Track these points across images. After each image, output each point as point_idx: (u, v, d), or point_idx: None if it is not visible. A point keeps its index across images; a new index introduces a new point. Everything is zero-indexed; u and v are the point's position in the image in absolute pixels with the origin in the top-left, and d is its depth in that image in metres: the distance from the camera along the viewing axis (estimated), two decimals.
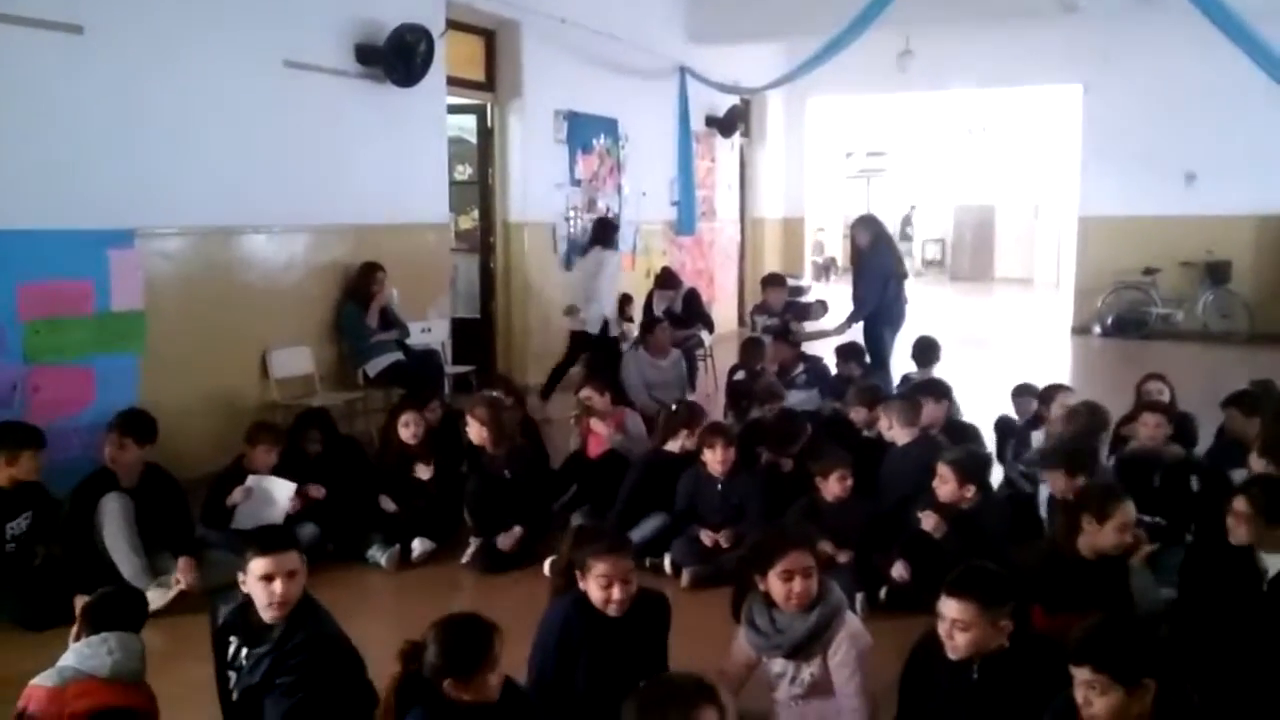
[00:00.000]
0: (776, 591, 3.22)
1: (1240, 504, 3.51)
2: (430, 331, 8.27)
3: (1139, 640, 2.57)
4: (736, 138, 14.17)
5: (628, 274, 11.20)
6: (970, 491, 4.53)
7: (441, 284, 8.69)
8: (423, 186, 8.36)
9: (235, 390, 6.71)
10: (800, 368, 7.58)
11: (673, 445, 5.43)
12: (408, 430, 5.60)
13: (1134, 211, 13.11)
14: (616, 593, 3.10)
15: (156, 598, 4.33)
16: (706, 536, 5.01)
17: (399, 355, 7.48)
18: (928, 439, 5.37)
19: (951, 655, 2.96)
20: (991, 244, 23.24)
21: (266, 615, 3.01)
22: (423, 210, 8.36)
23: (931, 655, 3.08)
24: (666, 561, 5.05)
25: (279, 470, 5.17)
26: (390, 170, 7.88)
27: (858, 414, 6.03)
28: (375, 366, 7.40)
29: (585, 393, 6.20)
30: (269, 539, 3.11)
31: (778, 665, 3.29)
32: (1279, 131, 11.97)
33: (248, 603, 3.10)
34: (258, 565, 3.00)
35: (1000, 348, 12.92)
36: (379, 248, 7.64)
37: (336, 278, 7.46)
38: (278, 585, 2.99)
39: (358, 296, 7.42)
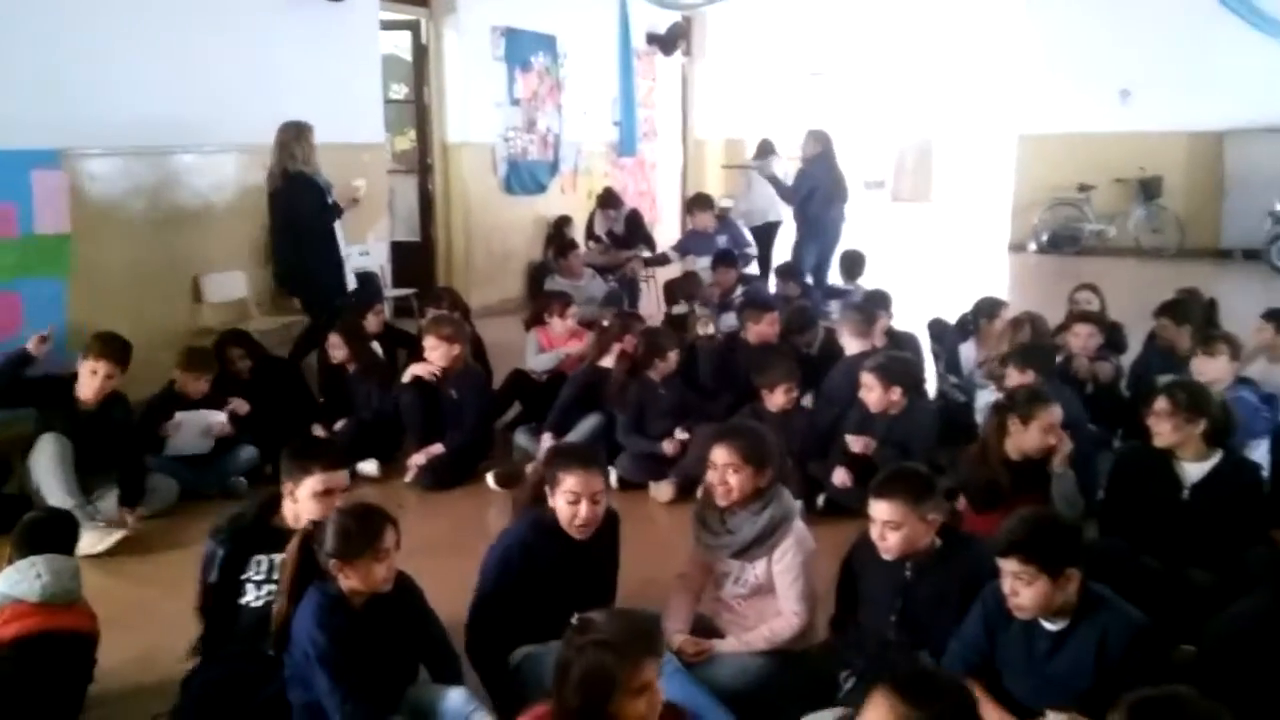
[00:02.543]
0: (709, 480, 3.27)
1: (1161, 404, 3.62)
2: (369, 255, 8.15)
3: (1062, 533, 2.68)
4: (678, 56, 13.97)
5: (569, 195, 11.12)
6: (896, 394, 4.63)
7: (379, 206, 8.54)
8: (356, 105, 8.16)
9: (167, 315, 6.57)
10: (739, 290, 7.65)
11: (608, 360, 5.48)
12: (339, 352, 5.55)
13: (1070, 129, 13.24)
14: (584, 510, 3.02)
15: (93, 541, 4.21)
16: (670, 444, 5.14)
17: None
18: (872, 350, 5.46)
19: (885, 556, 3.05)
20: (931, 165, 23.34)
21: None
22: (356, 130, 8.16)
23: (866, 557, 3.18)
24: (612, 475, 5.12)
25: (212, 394, 5.13)
26: (322, 88, 7.64)
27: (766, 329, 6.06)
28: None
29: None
30: (333, 456, 3.15)
31: (723, 564, 3.35)
32: (1211, 49, 12.06)
33: (260, 516, 3.12)
34: (316, 481, 3.03)
35: (940, 264, 13.07)
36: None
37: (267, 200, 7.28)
38: (336, 500, 3.03)
39: None
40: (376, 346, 6.03)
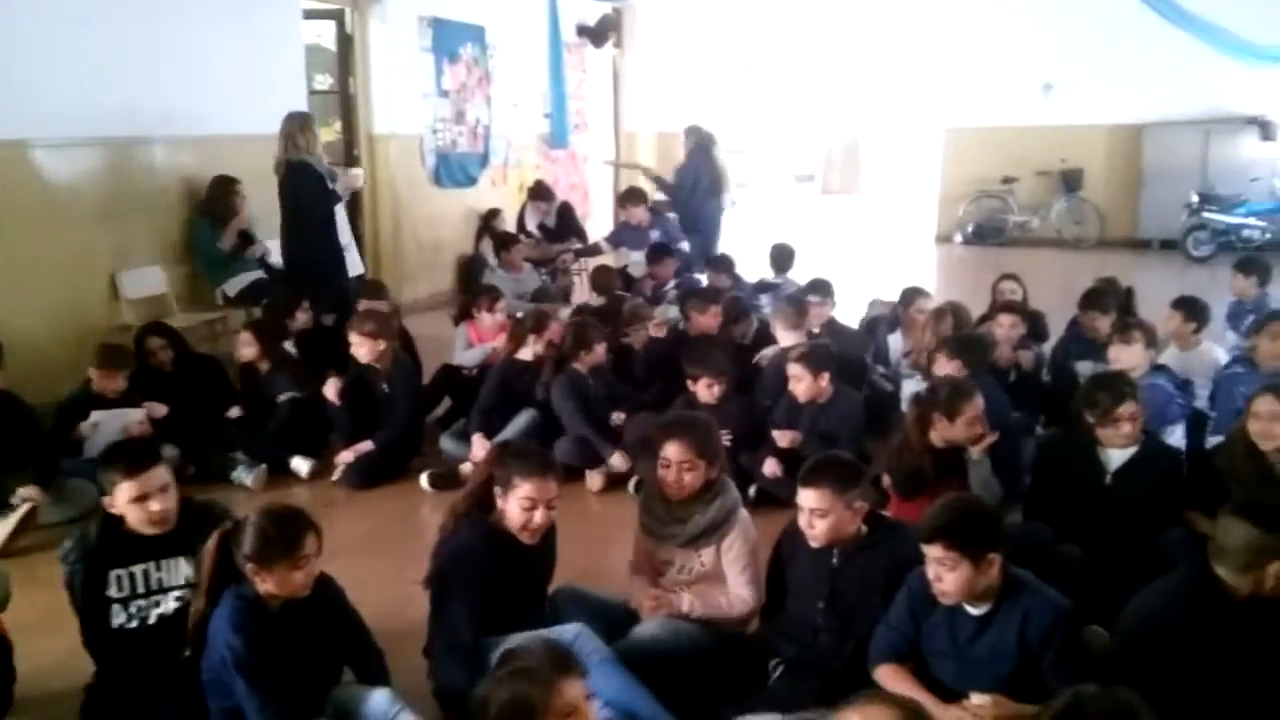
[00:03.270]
0: (661, 476, 3.27)
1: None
2: None
3: (983, 518, 2.72)
4: (609, 48, 13.93)
5: (499, 188, 11.03)
6: (825, 381, 4.67)
7: None
8: (278, 96, 7.93)
9: (83, 312, 6.38)
10: (673, 282, 7.67)
11: (525, 353, 5.46)
12: (249, 350, 5.46)
13: (995, 123, 13.48)
14: (539, 516, 2.98)
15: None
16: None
17: (260, 274, 7.22)
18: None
19: (813, 543, 3.08)
20: (860, 159, 23.62)
21: (150, 530, 2.94)
22: (279, 120, 7.97)
23: (794, 546, 3.21)
24: None
25: (130, 391, 4.99)
26: (243, 78, 7.48)
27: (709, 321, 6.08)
28: (235, 285, 7.14)
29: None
30: (132, 458, 2.96)
31: (667, 553, 3.37)
32: (1130, 44, 12.37)
33: (107, 529, 2.98)
34: (127, 488, 2.90)
35: (868, 257, 13.22)
36: (235, 160, 7.29)
37: (188, 193, 7.12)
38: (154, 504, 2.91)
39: (212, 213, 7.10)
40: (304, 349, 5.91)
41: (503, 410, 5.27)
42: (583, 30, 13.07)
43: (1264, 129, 12.30)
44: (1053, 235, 13.27)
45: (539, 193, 10.24)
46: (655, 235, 8.81)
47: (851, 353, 5.75)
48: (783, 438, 4.72)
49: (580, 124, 13.27)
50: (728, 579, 3.29)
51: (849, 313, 7.02)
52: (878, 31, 20.51)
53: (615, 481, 5.02)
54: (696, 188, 8.81)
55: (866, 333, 6.53)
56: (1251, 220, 11.95)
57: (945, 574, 2.64)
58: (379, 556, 3.51)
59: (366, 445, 5.17)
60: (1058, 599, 2.69)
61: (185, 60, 7.00)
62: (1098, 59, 12.71)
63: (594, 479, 5.06)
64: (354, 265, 7.55)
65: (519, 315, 5.94)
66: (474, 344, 6.17)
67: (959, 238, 13.80)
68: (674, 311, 6.70)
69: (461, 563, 3.00)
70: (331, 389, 5.26)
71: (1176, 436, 4.51)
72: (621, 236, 9.17)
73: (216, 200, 7.11)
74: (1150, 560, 3.24)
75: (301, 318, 6.08)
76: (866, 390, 5.68)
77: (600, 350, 5.42)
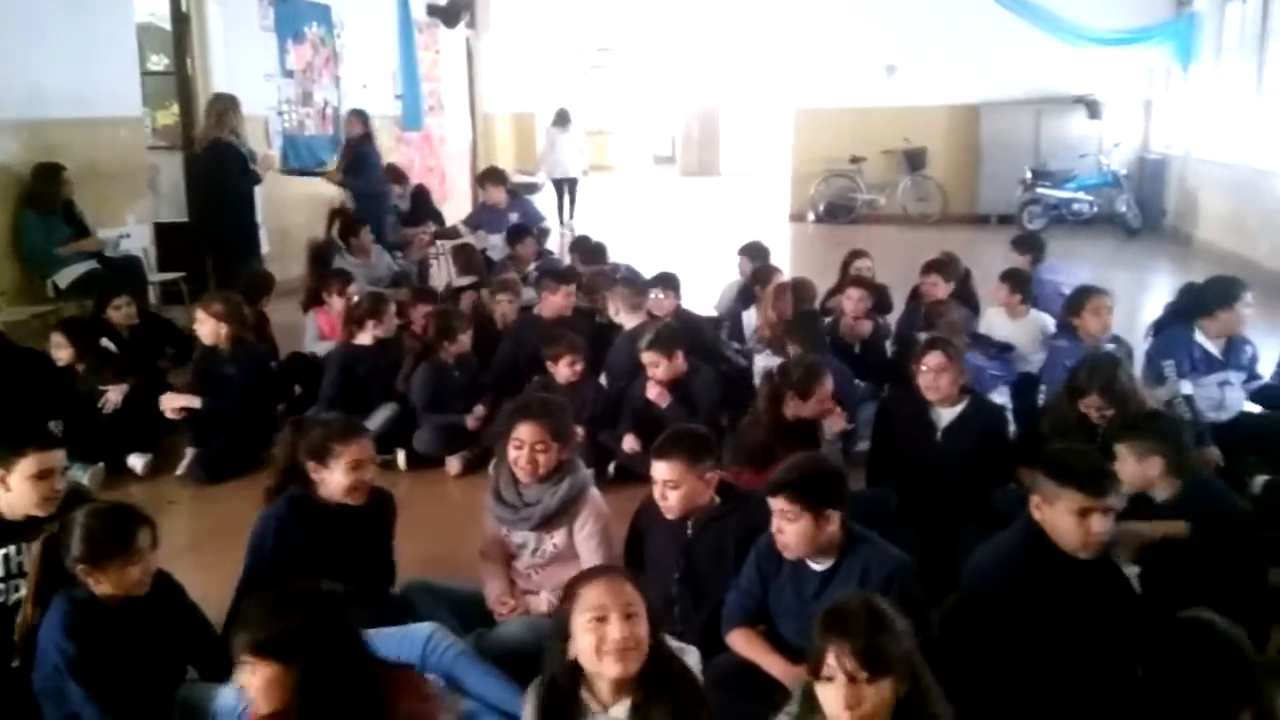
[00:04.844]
0: (514, 458, 3.27)
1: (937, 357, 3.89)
2: (129, 238, 7.62)
3: (826, 476, 2.83)
4: (462, 29, 13.73)
5: None
6: (680, 359, 4.75)
7: (139, 185, 8.00)
8: (109, 77, 7.59)
9: None
10: (533, 266, 7.65)
11: (363, 338, 5.39)
12: (62, 352, 5.18)
13: (842, 104, 13.87)
14: (368, 475, 3.10)
15: None
16: (472, 420, 5.13)
17: (93, 264, 6.86)
18: (652, 321, 5.55)
19: (668, 515, 3.14)
20: (718, 139, 23.94)
21: (42, 510, 2.89)
22: (110, 103, 7.60)
23: (650, 518, 3.27)
24: (400, 457, 5.04)
25: None
26: (69, 59, 7.07)
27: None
28: (66, 277, 6.76)
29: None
30: (42, 436, 3.00)
31: (519, 537, 3.36)
32: (967, 27, 12.89)
33: None
34: (33, 462, 2.87)
35: (724, 236, 13.42)
36: (63, 146, 6.91)
37: (10, 181, 6.70)
38: (58, 481, 2.91)
39: (37, 202, 6.71)
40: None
41: (346, 398, 5.14)
42: (434, 10, 12.86)
43: (1091, 108, 13.04)
44: (899, 212, 13.76)
45: (392, 176, 10.02)
46: (514, 217, 8.76)
47: (703, 335, 5.84)
48: (652, 389, 4.76)
49: (435, 105, 13.06)
50: (581, 558, 3.30)
51: (710, 292, 7.15)
52: (730, 13, 20.82)
53: (474, 465, 4.97)
54: (368, 171, 9.00)
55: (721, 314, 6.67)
56: (1081, 194, 12.69)
57: (787, 526, 2.75)
58: (225, 553, 3.39)
59: (194, 400, 5.02)
60: (896, 553, 2.81)
61: (4, 38, 6.57)
62: (937, 42, 13.20)
63: (453, 464, 5.02)
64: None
65: (355, 300, 5.79)
66: (324, 330, 6.02)
67: (811, 216, 14.16)
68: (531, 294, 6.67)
69: (256, 534, 3.08)
70: (115, 395, 5.04)
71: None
72: (480, 218, 9.07)
73: (41, 189, 6.72)
74: (985, 517, 3.42)
75: (118, 315, 5.73)
76: (721, 365, 5.80)
77: (465, 339, 5.36)
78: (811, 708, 2.05)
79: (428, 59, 12.78)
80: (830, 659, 1.97)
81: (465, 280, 7.09)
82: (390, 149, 11.65)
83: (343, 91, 10.66)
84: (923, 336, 5.39)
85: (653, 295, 5.82)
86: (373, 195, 8.95)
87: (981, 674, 2.63)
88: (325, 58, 10.39)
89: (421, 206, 9.99)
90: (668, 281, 6.04)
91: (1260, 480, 4.10)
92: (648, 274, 6.31)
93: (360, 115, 9.26)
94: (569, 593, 2.19)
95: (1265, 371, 5.06)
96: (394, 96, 11.85)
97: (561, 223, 13.17)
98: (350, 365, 5.29)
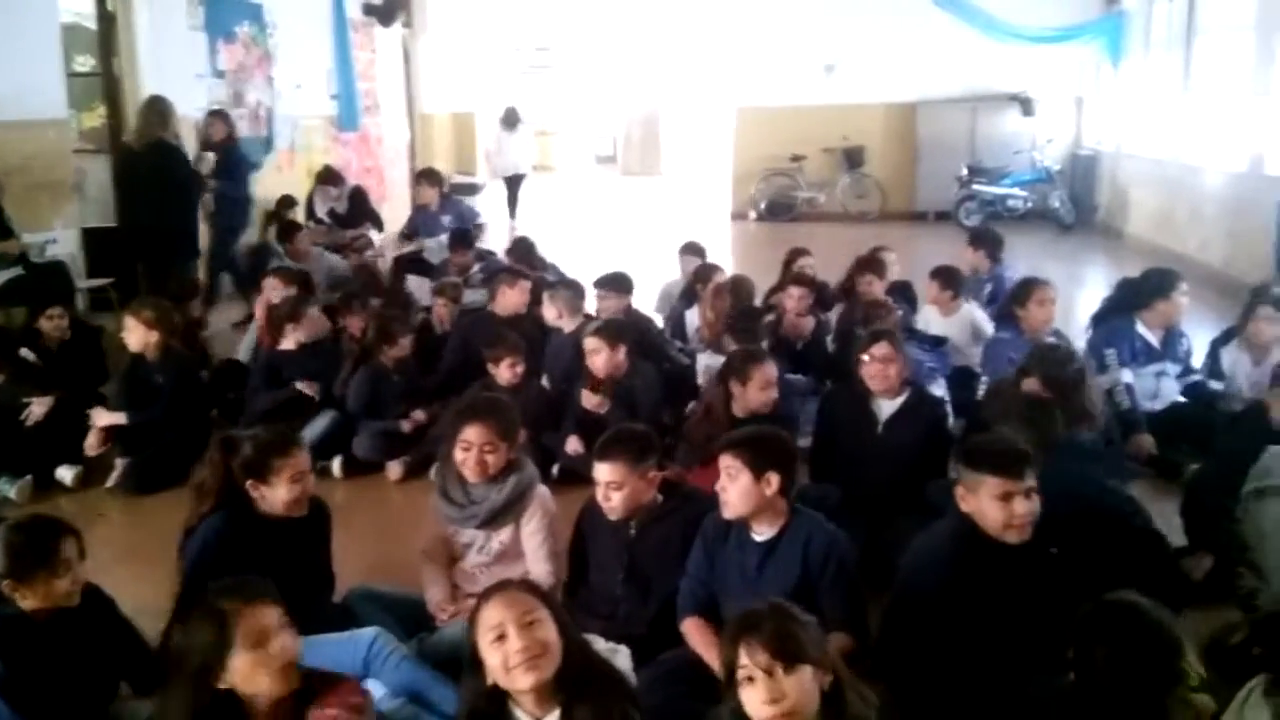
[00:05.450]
0: (462, 459, 3.25)
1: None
2: (56, 243, 7.42)
3: (772, 440, 2.93)
4: (398, 27, 13.58)
5: (286, 173, 10.59)
6: (621, 354, 4.73)
7: (65, 189, 7.79)
8: (31, 78, 7.38)
9: None
10: (476, 267, 7.58)
11: (287, 343, 5.31)
12: None
13: (782, 102, 13.96)
14: (310, 485, 3.07)
15: None
16: (408, 424, 5.07)
17: (17, 270, 6.66)
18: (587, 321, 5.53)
19: (611, 516, 3.13)
20: (659, 139, 23.96)
21: None
22: (35, 105, 7.39)
23: (593, 520, 3.26)
24: (335, 464, 4.96)
25: None
26: None
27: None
28: None
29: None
30: None
31: (466, 535, 3.34)
32: (903, 26, 13.04)
33: None
34: None
35: (667, 235, 13.43)
36: None
37: None
38: None
39: None
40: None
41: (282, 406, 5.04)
42: (370, 9, 12.71)
43: (1024, 105, 13.27)
44: (839, 210, 13.88)
45: (328, 177, 9.88)
46: (447, 221, 8.66)
47: (649, 334, 5.83)
48: (588, 399, 4.74)
49: (371, 105, 12.91)
50: (527, 554, 3.29)
51: (651, 291, 7.15)
52: (670, 13, 20.84)
53: (415, 470, 4.91)
54: (236, 172, 8.68)
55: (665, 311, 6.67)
56: (1015, 190, 12.91)
57: (729, 484, 2.82)
58: (157, 565, 3.30)
59: (119, 417, 4.88)
60: (836, 530, 2.90)
61: None
62: (874, 41, 13.35)
63: (393, 469, 4.95)
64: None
65: (274, 303, 5.67)
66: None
67: (753, 214, 14.23)
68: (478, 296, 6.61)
69: (196, 549, 2.99)
70: (39, 408, 4.89)
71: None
72: (416, 224, 8.98)
73: None
74: (924, 511, 3.45)
75: (49, 325, 5.54)
76: (664, 363, 5.80)
77: (405, 343, 5.30)
78: None
79: (364, 58, 12.62)
80: (744, 659, 1.97)
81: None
82: (326, 150, 11.50)
83: (276, 92, 10.49)
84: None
85: (597, 296, 5.81)
86: (238, 200, 8.67)
87: (920, 665, 2.66)
88: (257, 57, 10.21)
89: (359, 208, 9.86)
90: (617, 283, 6.00)
91: (1191, 469, 4.18)
92: (592, 275, 6.28)
93: (222, 116, 8.77)
94: (471, 622, 2.16)
95: (1198, 364, 5.21)
96: (329, 97, 11.68)
97: (512, 217, 13.76)
98: (274, 371, 5.20)
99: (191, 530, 3.04)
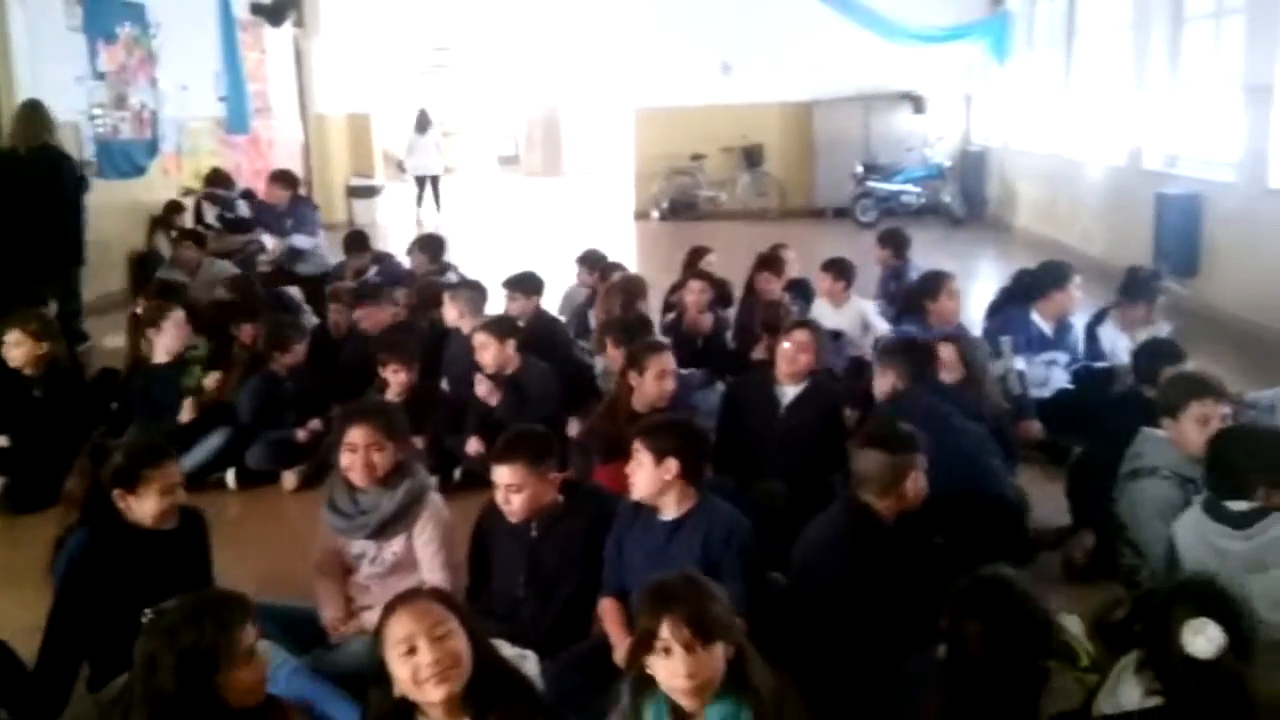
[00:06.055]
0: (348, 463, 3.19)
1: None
2: None
3: (674, 428, 3.03)
4: (288, 27, 13.26)
5: (173, 177, 10.25)
6: (511, 348, 4.70)
7: None
8: None
9: None
10: (374, 270, 7.45)
11: (159, 356, 5.12)
12: None
13: (681, 102, 14.03)
14: (180, 497, 3.00)
15: None
16: (303, 432, 4.98)
17: None
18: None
19: (512, 519, 3.10)
20: (560, 139, 23.91)
21: None
22: None
23: (494, 523, 3.21)
24: (229, 476, 4.81)
25: None
26: None
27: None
28: None
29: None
30: None
31: (357, 546, 3.25)
32: (798, 26, 13.18)
33: None
34: None
35: (571, 237, 13.40)
36: None
37: None
38: None
39: None
40: None
41: (154, 416, 4.89)
42: (257, 8, 12.38)
43: (916, 103, 13.61)
44: (740, 208, 14.00)
45: (217, 181, 9.58)
46: (289, 224, 8.40)
47: (555, 335, 5.80)
48: (480, 385, 4.68)
49: (262, 107, 12.58)
50: (421, 563, 3.22)
51: (557, 291, 7.10)
52: (567, 13, 20.80)
53: (310, 480, 4.79)
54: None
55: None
56: (909, 187, 13.21)
57: (635, 469, 2.94)
58: (39, 587, 3.15)
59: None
60: (739, 514, 2.96)
61: None
62: (769, 41, 13.50)
63: (288, 478, 4.83)
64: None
65: (137, 311, 5.48)
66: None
67: (655, 214, 14.28)
68: None
69: (64, 567, 2.91)
70: None
71: None
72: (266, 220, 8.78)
73: None
74: (825, 496, 3.50)
75: None
76: (569, 365, 5.77)
77: (299, 350, 5.17)
78: (640, 691, 2.08)
79: (253, 59, 12.30)
80: (665, 632, 2.01)
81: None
82: (215, 153, 11.16)
83: (160, 94, 10.13)
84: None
85: (506, 296, 5.77)
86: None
87: (817, 646, 2.71)
88: (140, 59, 9.85)
89: (261, 214, 9.58)
90: (526, 283, 5.93)
91: (1076, 452, 4.32)
92: (495, 276, 6.21)
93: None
94: (377, 634, 2.11)
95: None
96: (218, 98, 11.34)
97: (418, 222, 14.43)
98: (150, 383, 5.02)
99: (61, 542, 2.92)
